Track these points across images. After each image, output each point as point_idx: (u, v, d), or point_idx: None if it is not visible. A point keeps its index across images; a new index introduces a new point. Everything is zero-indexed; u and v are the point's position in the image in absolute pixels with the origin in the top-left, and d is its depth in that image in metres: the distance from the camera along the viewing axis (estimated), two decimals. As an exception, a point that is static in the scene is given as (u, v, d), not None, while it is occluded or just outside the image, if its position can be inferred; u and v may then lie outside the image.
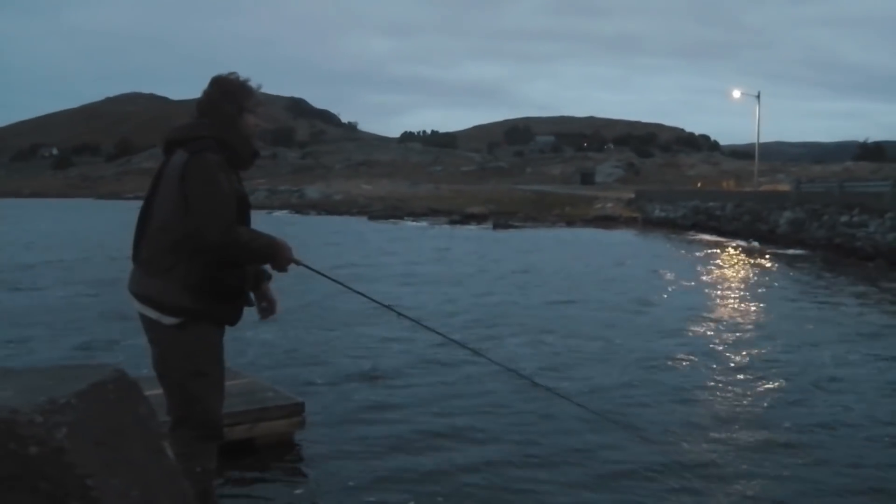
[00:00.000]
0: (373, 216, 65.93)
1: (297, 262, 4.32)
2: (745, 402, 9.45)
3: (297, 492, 6.74)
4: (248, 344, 12.16)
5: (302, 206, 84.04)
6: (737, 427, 8.48)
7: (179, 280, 4.06)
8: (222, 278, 4.11)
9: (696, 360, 11.72)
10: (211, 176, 4.03)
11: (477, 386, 10.09)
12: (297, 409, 7.84)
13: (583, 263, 26.77)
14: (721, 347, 12.67)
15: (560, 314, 15.97)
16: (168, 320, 4.10)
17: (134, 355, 10.52)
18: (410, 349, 12.29)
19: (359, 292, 5.05)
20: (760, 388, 10.10)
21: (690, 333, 13.96)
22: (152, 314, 4.13)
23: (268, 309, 4.58)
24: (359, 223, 58.80)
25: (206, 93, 4.29)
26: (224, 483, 6.77)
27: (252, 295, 4.49)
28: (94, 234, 42.56)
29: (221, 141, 4.15)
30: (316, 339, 13.26)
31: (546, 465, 7.26)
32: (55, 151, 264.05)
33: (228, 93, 4.25)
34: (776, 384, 10.32)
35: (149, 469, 2.73)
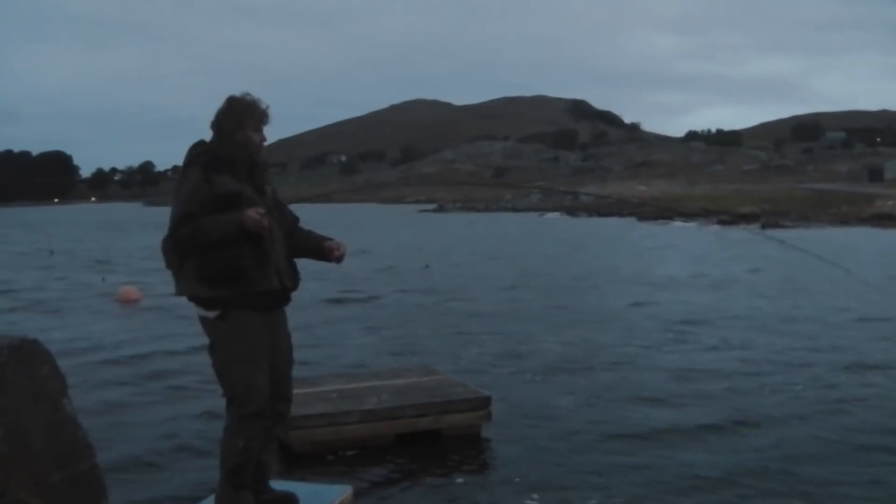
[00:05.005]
0: (641, 217, 65.52)
1: (263, 215, 4.75)
2: None
3: (477, 481, 7.18)
4: (464, 345, 13.09)
5: (574, 209, 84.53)
6: None
7: (192, 275, 4.78)
8: (216, 261, 4.72)
9: None
10: (180, 183, 4.86)
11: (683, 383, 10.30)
12: (482, 403, 8.30)
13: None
14: None
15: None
16: (208, 313, 4.85)
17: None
18: (597, 349, 12.76)
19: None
20: None
21: None
22: (198, 311, 4.91)
23: (340, 255, 5.24)
24: (626, 225, 58.70)
25: (218, 109, 5.03)
26: (409, 470, 7.39)
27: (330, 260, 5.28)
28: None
29: (218, 153, 4.92)
30: (519, 335, 13.86)
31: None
32: (343, 158, 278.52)
33: (233, 111, 4.95)
34: None
35: (28, 417, 3.71)
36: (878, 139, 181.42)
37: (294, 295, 5.20)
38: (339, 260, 5.24)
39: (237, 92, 5.04)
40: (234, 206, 4.74)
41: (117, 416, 8.96)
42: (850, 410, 9.01)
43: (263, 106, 5.02)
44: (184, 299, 4.93)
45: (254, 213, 4.68)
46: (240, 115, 4.95)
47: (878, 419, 8.64)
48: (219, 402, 5.20)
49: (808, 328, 14.23)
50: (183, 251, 4.76)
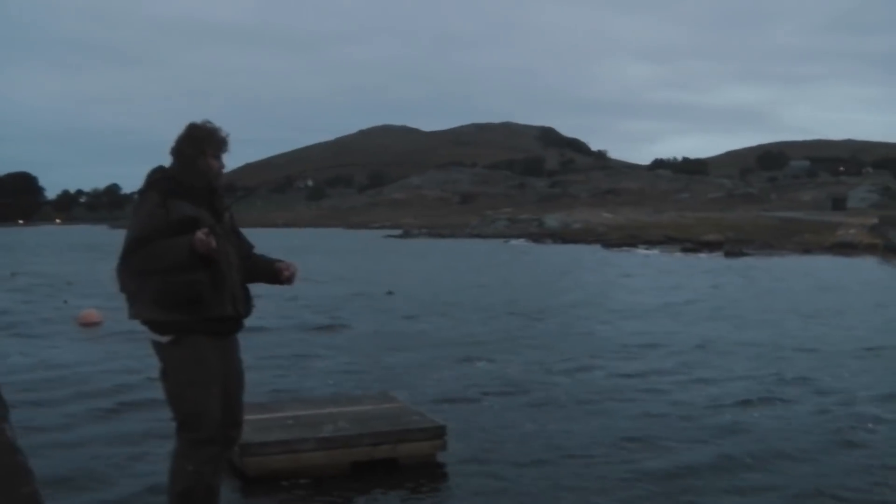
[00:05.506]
0: (606, 245, 65.97)
1: (208, 234, 4.77)
2: None
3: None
4: (427, 371, 13.05)
5: (540, 235, 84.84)
6: None
7: (147, 299, 4.84)
8: (172, 286, 4.77)
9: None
10: (137, 208, 4.97)
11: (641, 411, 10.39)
12: (438, 432, 8.34)
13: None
14: None
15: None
16: (162, 338, 4.89)
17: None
18: (564, 378, 12.85)
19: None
20: None
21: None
22: (151, 335, 4.94)
23: (290, 275, 5.33)
24: (590, 252, 59.03)
25: (178, 136, 5.10)
26: (364, 498, 7.39)
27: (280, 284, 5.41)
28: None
29: (178, 179, 5.00)
30: (483, 362, 13.87)
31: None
32: (310, 183, 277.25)
33: (193, 138, 5.05)
34: None
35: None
36: (842, 168, 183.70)
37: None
38: (289, 281, 5.30)
39: (200, 118, 5.11)
40: (191, 232, 4.76)
41: (74, 451, 8.62)
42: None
43: (223, 134, 5.11)
44: None
45: (200, 234, 4.71)
46: (200, 142, 5.03)
47: None
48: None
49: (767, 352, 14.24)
50: (136, 275, 4.79)
